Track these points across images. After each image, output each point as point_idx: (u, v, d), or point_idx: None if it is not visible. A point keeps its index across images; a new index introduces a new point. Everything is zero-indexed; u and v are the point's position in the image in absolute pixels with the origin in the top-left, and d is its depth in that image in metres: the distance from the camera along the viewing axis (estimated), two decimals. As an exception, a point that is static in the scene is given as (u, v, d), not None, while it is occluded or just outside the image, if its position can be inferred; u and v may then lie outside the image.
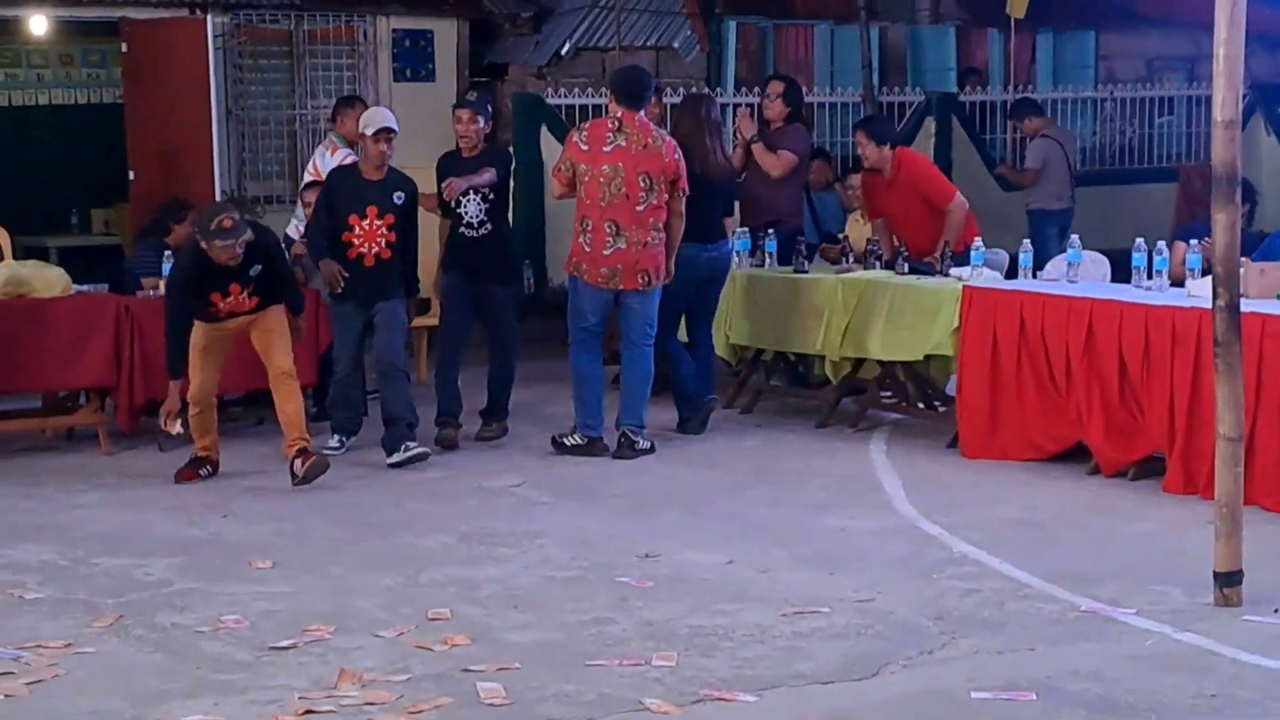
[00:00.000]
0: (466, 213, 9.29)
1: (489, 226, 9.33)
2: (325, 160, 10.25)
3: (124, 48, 12.67)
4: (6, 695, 5.32)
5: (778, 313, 9.99)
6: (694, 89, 14.50)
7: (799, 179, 10.76)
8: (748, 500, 8.04)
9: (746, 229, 10.42)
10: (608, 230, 8.91)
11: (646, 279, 9.00)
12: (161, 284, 9.06)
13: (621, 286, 8.96)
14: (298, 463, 8.25)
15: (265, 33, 13.62)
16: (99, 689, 5.38)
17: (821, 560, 6.85)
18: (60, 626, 6.06)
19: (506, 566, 6.83)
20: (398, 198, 8.98)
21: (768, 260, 10.26)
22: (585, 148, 8.98)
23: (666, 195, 9.01)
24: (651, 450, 9.03)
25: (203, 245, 8.13)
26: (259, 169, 13.73)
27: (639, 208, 8.92)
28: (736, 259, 10.21)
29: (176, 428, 8.40)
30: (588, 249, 8.95)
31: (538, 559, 6.92)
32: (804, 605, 6.17)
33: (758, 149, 10.49)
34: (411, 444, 8.78)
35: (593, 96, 14.02)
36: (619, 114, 9.01)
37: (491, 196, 9.27)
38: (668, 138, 9.20)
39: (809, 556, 6.92)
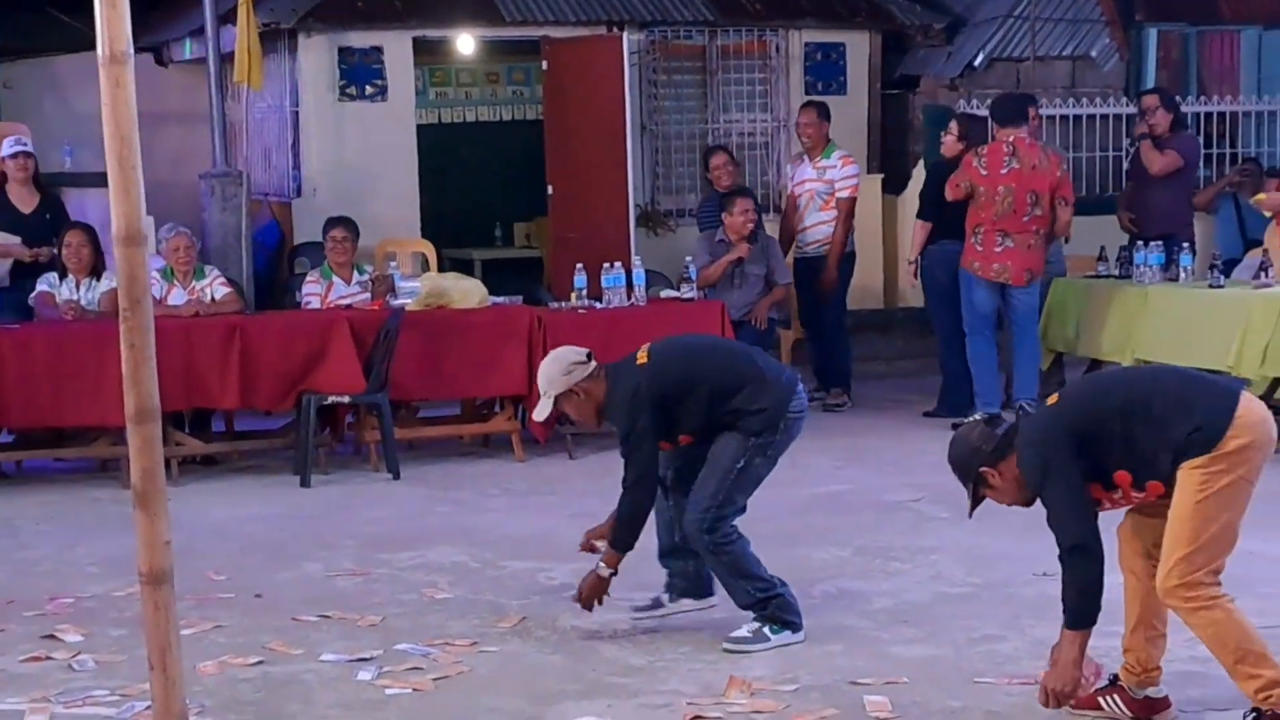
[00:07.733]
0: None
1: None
2: None
3: (544, 65, 13.06)
4: (415, 689, 5.58)
5: (1187, 327, 9.68)
6: (1110, 99, 14.22)
7: (1186, 188, 10.76)
8: (1153, 521, 7.81)
9: (1160, 242, 10.19)
10: (997, 237, 10.07)
11: (1030, 276, 10.12)
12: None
13: (1010, 281, 10.07)
14: None
15: (679, 49, 13.84)
16: (500, 687, 5.60)
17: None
18: (467, 625, 6.33)
19: (899, 581, 6.84)
20: None
21: (1182, 274, 10.01)
22: (984, 172, 10.02)
23: (1050, 205, 10.06)
24: None
25: None
26: (671, 183, 13.97)
27: (1024, 219, 10.03)
28: (1148, 271, 10.09)
29: None
30: (979, 248, 10.11)
31: (930, 574, 6.90)
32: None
33: (1144, 146, 10.82)
34: None
35: (1005, 107, 13.81)
36: (1010, 138, 10.04)
37: None
38: (1053, 154, 10.21)
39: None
